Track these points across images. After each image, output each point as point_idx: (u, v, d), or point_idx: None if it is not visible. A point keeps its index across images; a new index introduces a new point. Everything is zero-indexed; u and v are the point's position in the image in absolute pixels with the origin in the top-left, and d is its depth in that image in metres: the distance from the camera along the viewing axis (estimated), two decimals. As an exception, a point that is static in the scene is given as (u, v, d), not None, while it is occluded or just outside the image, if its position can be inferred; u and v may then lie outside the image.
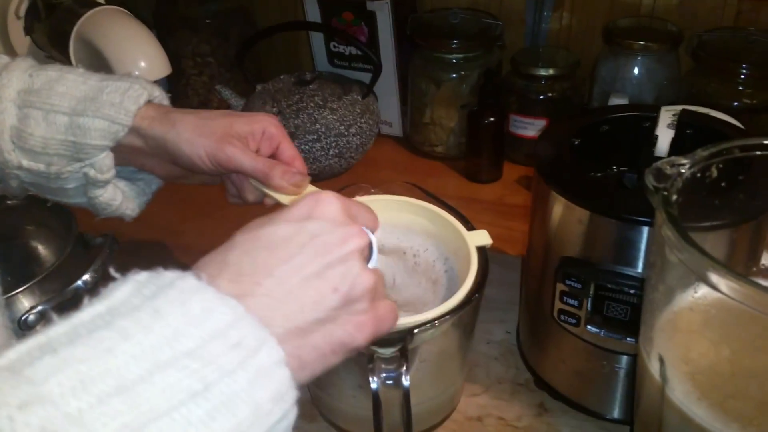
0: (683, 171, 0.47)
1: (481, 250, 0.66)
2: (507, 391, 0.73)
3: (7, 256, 0.83)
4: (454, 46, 1.04)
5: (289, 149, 0.62)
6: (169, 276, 0.35)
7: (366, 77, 1.10)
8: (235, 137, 0.60)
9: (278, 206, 0.61)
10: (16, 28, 0.98)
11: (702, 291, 0.43)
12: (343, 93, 1.07)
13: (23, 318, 0.69)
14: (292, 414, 0.36)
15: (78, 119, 0.59)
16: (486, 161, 1.05)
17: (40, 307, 0.69)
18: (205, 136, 0.59)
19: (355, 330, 0.41)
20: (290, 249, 0.39)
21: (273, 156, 0.63)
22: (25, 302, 0.70)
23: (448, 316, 0.60)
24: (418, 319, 0.52)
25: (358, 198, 0.60)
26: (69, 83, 0.60)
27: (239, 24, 1.18)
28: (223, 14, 1.17)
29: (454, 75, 1.06)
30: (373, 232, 0.47)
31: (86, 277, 0.73)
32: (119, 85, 0.60)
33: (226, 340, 0.33)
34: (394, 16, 1.05)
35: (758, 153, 0.50)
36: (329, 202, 0.43)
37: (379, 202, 0.61)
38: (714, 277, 0.39)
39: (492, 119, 1.01)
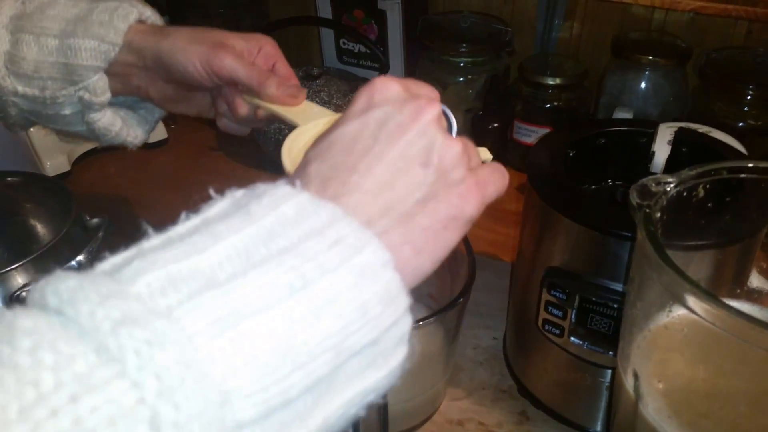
0: (669, 189, 0.47)
1: (471, 256, 0.66)
2: (489, 397, 0.73)
3: (5, 232, 0.83)
4: (463, 49, 1.05)
5: (284, 68, 0.61)
6: (262, 186, 0.33)
7: (374, 75, 1.09)
8: (230, 48, 0.59)
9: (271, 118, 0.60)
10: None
11: (677, 310, 0.43)
12: (350, 90, 1.07)
13: (16, 294, 0.69)
14: (406, 322, 0.33)
15: (68, 40, 0.59)
16: (488, 166, 1.05)
17: (33, 285, 0.70)
18: (200, 43, 0.58)
19: (461, 200, 0.37)
20: (365, 142, 0.37)
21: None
22: (19, 279, 0.70)
23: (431, 319, 0.61)
24: None
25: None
26: (60, 7, 0.60)
27: (251, 15, 1.19)
28: (236, 4, 1.18)
29: (461, 78, 1.06)
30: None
31: (80, 257, 0.74)
32: (108, 4, 0.60)
33: (324, 238, 0.31)
34: (404, 16, 1.06)
35: (747, 176, 0.50)
36: (385, 84, 0.39)
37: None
38: (688, 298, 0.40)
39: (496, 125, 1.01)
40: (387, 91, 0.39)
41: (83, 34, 0.59)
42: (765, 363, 0.41)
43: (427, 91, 0.42)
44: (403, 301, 0.33)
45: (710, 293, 0.39)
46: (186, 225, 0.31)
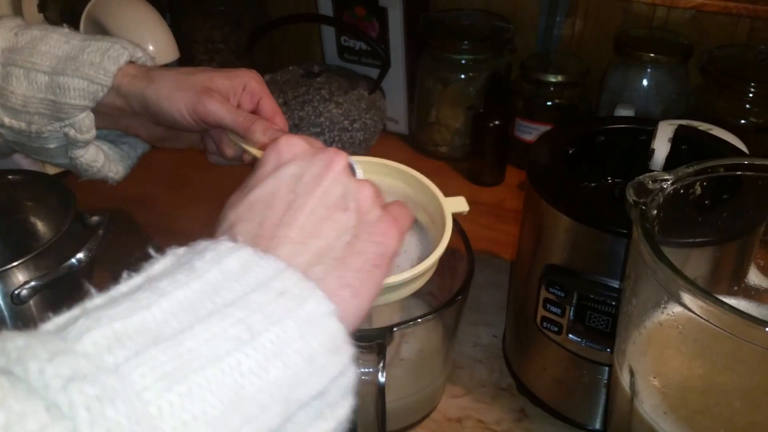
0: (665, 186, 0.47)
1: (470, 254, 0.66)
2: (489, 395, 0.73)
3: (5, 230, 0.84)
4: (464, 47, 1.04)
5: (269, 105, 0.61)
6: (203, 243, 0.34)
7: (375, 73, 1.10)
8: (215, 91, 0.59)
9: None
10: (30, 5, 0.99)
11: (672, 307, 0.43)
12: (350, 88, 1.07)
13: (16, 292, 0.70)
14: (351, 372, 0.34)
15: (58, 78, 0.59)
16: (489, 164, 1.05)
17: (33, 282, 0.70)
18: (184, 90, 0.58)
19: (383, 237, 0.39)
20: (285, 196, 0.38)
21: (254, 112, 0.61)
22: (19, 276, 0.70)
23: (430, 316, 0.61)
24: (390, 281, 0.49)
25: None
26: (52, 42, 0.61)
27: (252, 12, 1.19)
28: (237, 2, 1.18)
29: (462, 76, 1.06)
30: None
31: (80, 255, 0.74)
32: (100, 45, 0.60)
33: (269, 290, 0.32)
34: (405, 13, 1.06)
35: (744, 173, 0.50)
36: (290, 143, 0.41)
37: (360, 163, 0.60)
38: (683, 295, 0.40)
39: (497, 122, 1.01)
40: (294, 147, 0.41)
41: (73, 72, 0.59)
42: (759, 359, 0.41)
43: (320, 144, 0.45)
44: (348, 351, 0.34)
45: (705, 290, 0.39)
46: (129, 283, 0.32)
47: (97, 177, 0.67)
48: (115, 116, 0.62)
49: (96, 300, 0.31)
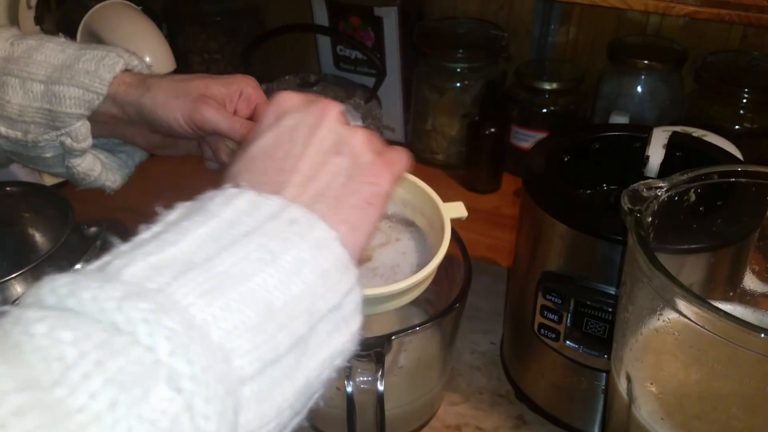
0: (660, 194, 0.47)
1: (467, 262, 0.66)
2: (487, 402, 0.74)
3: (4, 242, 0.84)
4: (459, 55, 1.05)
5: None
6: (210, 192, 0.36)
7: (371, 82, 1.11)
8: (211, 98, 0.59)
9: None
10: (27, 18, 0.99)
11: (668, 314, 0.44)
12: (347, 96, 1.08)
13: (15, 303, 0.70)
14: (358, 291, 0.37)
15: (53, 87, 0.59)
16: (485, 172, 1.06)
17: (32, 294, 0.70)
18: (180, 98, 0.58)
19: (376, 177, 0.42)
20: (283, 146, 0.41)
21: (251, 118, 0.61)
22: (18, 288, 0.71)
23: (428, 324, 0.61)
24: (383, 289, 0.51)
25: None
26: (48, 51, 0.61)
27: (248, 23, 1.19)
28: (233, 12, 1.18)
29: (458, 84, 1.07)
30: None
31: (78, 266, 0.74)
32: (96, 53, 0.60)
33: (280, 221, 0.35)
34: (401, 22, 1.06)
35: (737, 179, 0.50)
36: (286, 97, 0.44)
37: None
38: (678, 302, 0.40)
39: (492, 130, 1.01)
40: (290, 100, 0.43)
41: (68, 81, 0.59)
42: (755, 365, 0.41)
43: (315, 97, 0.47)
44: (353, 271, 0.37)
45: (700, 297, 0.39)
46: (150, 230, 0.34)
47: (94, 186, 0.67)
48: (111, 124, 0.63)
49: (122, 247, 0.33)
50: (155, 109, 0.59)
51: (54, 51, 0.61)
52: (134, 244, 0.33)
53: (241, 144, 0.59)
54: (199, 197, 0.36)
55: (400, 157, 0.45)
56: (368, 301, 0.50)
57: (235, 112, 0.61)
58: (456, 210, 0.57)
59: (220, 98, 0.60)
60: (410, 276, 0.51)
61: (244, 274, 0.32)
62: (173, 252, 0.32)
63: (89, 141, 0.62)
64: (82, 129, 0.61)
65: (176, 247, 0.32)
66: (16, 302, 0.69)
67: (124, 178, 0.69)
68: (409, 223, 0.60)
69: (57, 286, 0.29)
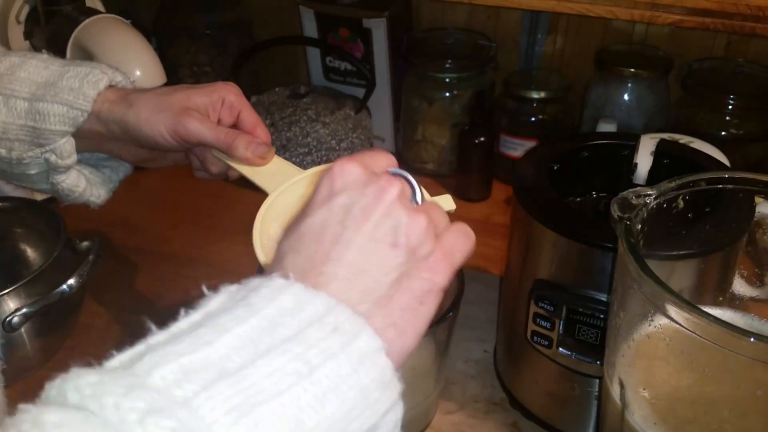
0: (649, 201, 0.48)
1: (459, 270, 0.67)
2: (482, 410, 0.74)
3: (-4, 257, 0.84)
4: (448, 65, 1.06)
5: (250, 116, 0.61)
6: (256, 281, 0.35)
7: (361, 93, 1.11)
8: (194, 109, 0.59)
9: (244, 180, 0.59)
10: (16, 33, 0.99)
11: (659, 320, 0.44)
12: (337, 108, 1.08)
13: (8, 319, 0.70)
14: (399, 408, 0.35)
15: (37, 104, 0.59)
16: (475, 180, 1.07)
17: (25, 309, 0.70)
18: (163, 112, 0.58)
19: (431, 273, 0.39)
20: (333, 229, 0.38)
21: (235, 125, 0.61)
22: (11, 303, 0.71)
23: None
24: None
25: (319, 167, 0.58)
26: (31, 68, 0.61)
27: (238, 36, 1.20)
28: (222, 25, 1.19)
29: (447, 94, 1.08)
30: (394, 167, 0.44)
31: (71, 281, 0.74)
32: (79, 70, 0.60)
33: (323, 326, 0.33)
34: (389, 33, 1.07)
35: (725, 186, 0.51)
36: (345, 169, 0.40)
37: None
38: (668, 308, 0.40)
39: (482, 139, 1.02)
40: (347, 175, 0.40)
41: (52, 98, 0.59)
42: (745, 368, 0.42)
43: (383, 163, 0.43)
44: (396, 386, 0.35)
45: (689, 302, 0.40)
46: (188, 320, 0.33)
47: (79, 201, 0.67)
48: (96, 140, 0.62)
49: (158, 336, 0.32)
50: (139, 125, 0.59)
51: (37, 68, 0.61)
52: (170, 335, 0.32)
53: (227, 154, 0.59)
54: (245, 283, 0.35)
55: (463, 241, 0.42)
56: None
57: (219, 121, 0.61)
58: (444, 202, 0.57)
59: (203, 108, 0.60)
60: None
61: (277, 387, 0.30)
62: (207, 354, 0.30)
63: (74, 157, 0.62)
64: (67, 146, 0.61)
65: (211, 348, 0.30)
66: (15, 314, 0.68)
67: (109, 194, 0.69)
68: None
69: (82, 384, 0.28)
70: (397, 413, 0.35)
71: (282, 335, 0.32)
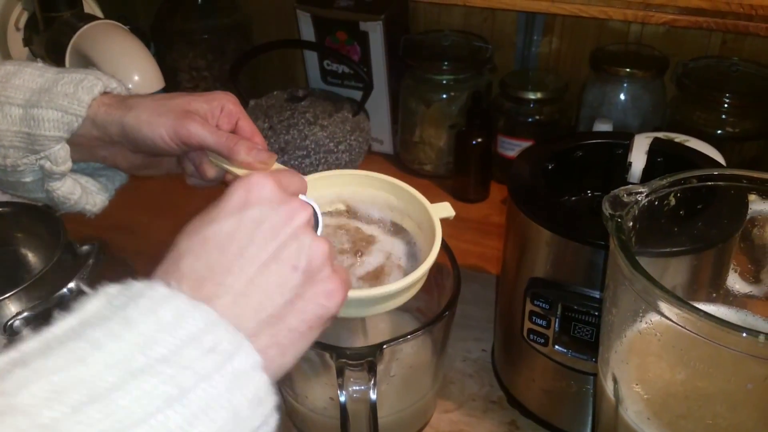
0: (640, 199, 0.48)
1: (456, 270, 0.67)
2: (480, 408, 0.74)
3: (-3, 262, 0.84)
4: (445, 67, 1.06)
5: (247, 125, 0.61)
6: (138, 286, 0.35)
7: (358, 95, 1.12)
8: (195, 115, 0.59)
9: None
10: (15, 40, 1.00)
11: (651, 316, 0.45)
12: (335, 110, 1.09)
13: (9, 323, 0.70)
14: (273, 420, 0.36)
15: (32, 111, 0.59)
16: (473, 181, 1.07)
17: (26, 313, 0.71)
18: (164, 115, 0.58)
19: (326, 299, 0.40)
20: (240, 242, 0.39)
21: (232, 133, 0.61)
22: (11, 308, 0.71)
23: (418, 333, 0.62)
24: (380, 289, 0.51)
25: (315, 174, 0.60)
26: (26, 76, 0.61)
27: (236, 40, 1.21)
28: (220, 30, 1.19)
29: (444, 96, 1.08)
30: (304, 194, 0.47)
31: (72, 285, 0.75)
32: (74, 76, 0.60)
33: (200, 344, 0.33)
34: (386, 36, 1.07)
35: (716, 183, 0.52)
36: (262, 183, 0.41)
37: (341, 177, 0.60)
38: (660, 304, 0.41)
39: (479, 140, 1.03)
40: (262, 190, 0.41)
41: (47, 104, 0.59)
42: (737, 363, 0.42)
43: (296, 187, 0.46)
44: (271, 400, 0.35)
45: (680, 298, 0.40)
46: (62, 326, 0.33)
47: (74, 210, 0.67)
48: (92, 147, 0.62)
49: (31, 343, 0.32)
50: (139, 127, 0.59)
51: (32, 75, 0.61)
52: (44, 344, 0.31)
53: (227, 159, 0.59)
54: (126, 286, 0.35)
55: (347, 277, 0.43)
56: (364, 303, 0.51)
57: (216, 128, 0.61)
58: (443, 210, 0.58)
59: (203, 114, 0.60)
60: (401, 278, 0.52)
61: (146, 411, 0.30)
62: (79, 371, 0.30)
63: (69, 164, 0.62)
64: (61, 152, 0.61)
65: (84, 365, 0.30)
66: (16, 318, 0.69)
67: (104, 202, 0.69)
68: (397, 227, 0.61)
69: None
70: (271, 425, 0.36)
71: (156, 354, 0.32)
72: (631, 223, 0.48)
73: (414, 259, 0.59)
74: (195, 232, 0.40)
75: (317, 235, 0.43)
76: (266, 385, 0.35)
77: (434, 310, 0.69)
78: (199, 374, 0.32)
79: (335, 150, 1.05)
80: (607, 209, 0.47)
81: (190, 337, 0.33)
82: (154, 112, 0.59)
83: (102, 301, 0.34)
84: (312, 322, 0.40)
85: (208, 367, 0.33)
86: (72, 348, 0.31)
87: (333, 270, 0.41)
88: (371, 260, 0.59)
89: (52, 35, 0.97)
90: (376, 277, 0.57)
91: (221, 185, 0.65)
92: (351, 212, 0.62)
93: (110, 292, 0.35)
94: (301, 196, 0.46)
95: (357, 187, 0.61)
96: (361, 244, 0.60)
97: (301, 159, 1.04)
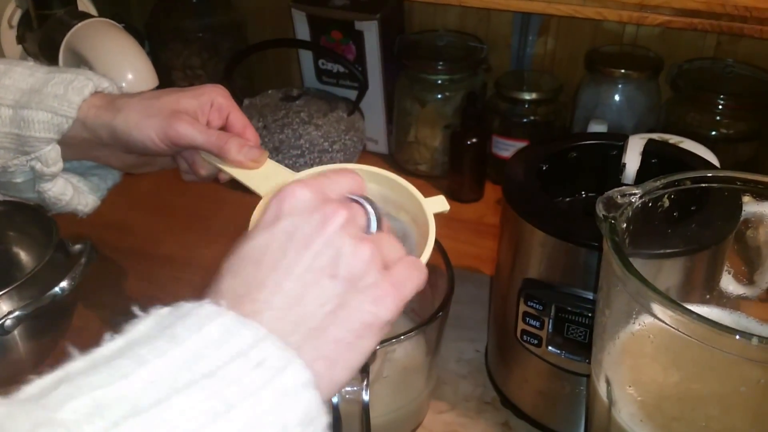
0: (634, 200, 0.48)
1: (450, 270, 0.67)
2: (473, 409, 0.74)
3: (-12, 261, 0.84)
4: (440, 67, 1.06)
5: (239, 118, 0.61)
6: (187, 306, 0.34)
7: (353, 95, 1.12)
8: (183, 112, 0.58)
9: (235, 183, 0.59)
10: (8, 37, 1.00)
11: (644, 318, 0.45)
12: (329, 110, 1.09)
13: (1, 322, 0.70)
14: None
15: (22, 112, 0.59)
16: (468, 181, 1.07)
17: (17, 312, 0.71)
18: (153, 116, 0.57)
19: (375, 306, 0.38)
20: (273, 255, 0.38)
21: (224, 128, 0.61)
22: (3, 306, 0.71)
23: (412, 333, 0.62)
24: None
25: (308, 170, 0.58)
26: (16, 76, 0.60)
27: (231, 39, 1.20)
28: (215, 28, 1.19)
29: (439, 96, 1.08)
30: (361, 193, 0.44)
31: (63, 284, 0.74)
32: (64, 76, 0.60)
33: (247, 360, 0.32)
34: (381, 36, 1.07)
35: (710, 185, 0.51)
36: (294, 193, 0.40)
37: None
38: (653, 306, 0.41)
39: (474, 140, 1.03)
40: (295, 199, 0.40)
41: (37, 105, 0.59)
42: (730, 365, 0.42)
43: (343, 187, 0.43)
44: (323, 420, 0.34)
45: (673, 300, 0.40)
46: (110, 346, 0.32)
47: (66, 210, 0.66)
48: (83, 147, 0.62)
49: (77, 363, 0.31)
50: (129, 130, 0.58)
51: (22, 75, 0.61)
52: (90, 363, 0.31)
53: (220, 157, 0.58)
54: (176, 307, 0.34)
55: (415, 274, 0.41)
56: None
57: (208, 124, 0.60)
58: (438, 204, 0.56)
59: (192, 111, 0.59)
60: None
61: (190, 426, 0.29)
62: (122, 387, 0.30)
63: (60, 165, 0.62)
64: (52, 153, 0.61)
65: (127, 381, 0.30)
66: (8, 317, 0.68)
67: (96, 202, 0.68)
68: (392, 219, 0.61)
69: None
70: None
71: (203, 370, 0.31)
72: (624, 225, 0.48)
73: (410, 252, 0.59)
74: (234, 252, 0.39)
75: (362, 236, 0.40)
76: (317, 403, 0.34)
77: (428, 310, 0.69)
78: (247, 390, 0.32)
79: (330, 149, 1.05)
80: (600, 211, 0.47)
81: (237, 352, 0.32)
82: (143, 114, 0.58)
83: (151, 322, 0.34)
84: (360, 331, 0.37)
85: (255, 382, 0.32)
86: (117, 365, 0.31)
87: (384, 273, 0.39)
88: None
89: (45, 33, 0.97)
90: None
91: (216, 182, 0.65)
92: None
93: (160, 313, 0.34)
94: (352, 196, 0.43)
95: None
96: None
97: (295, 158, 1.04)
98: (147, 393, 0.30)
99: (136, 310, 0.35)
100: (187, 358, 0.32)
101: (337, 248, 0.38)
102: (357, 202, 0.43)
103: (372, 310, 0.38)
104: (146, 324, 0.34)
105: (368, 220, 0.42)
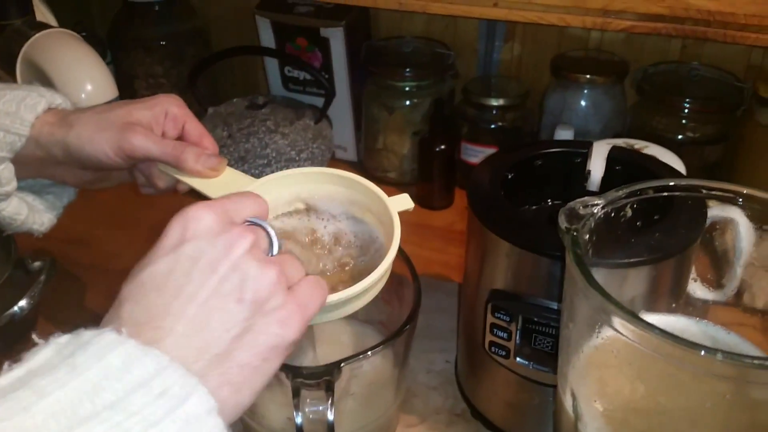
0: (596, 211, 0.48)
1: (416, 282, 0.66)
2: (444, 422, 0.73)
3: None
4: (407, 74, 1.05)
5: (195, 128, 0.60)
6: (88, 334, 0.34)
7: (321, 102, 1.11)
8: (137, 124, 0.57)
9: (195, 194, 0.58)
10: (-36, 48, 0.97)
11: (606, 331, 0.44)
12: (296, 118, 1.08)
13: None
14: None
15: None
16: (437, 188, 1.06)
17: (-25, 333, 0.69)
18: (106, 130, 0.56)
19: (281, 327, 0.38)
20: (177, 281, 0.37)
21: (180, 138, 0.60)
22: (-41, 327, 0.69)
23: (378, 348, 0.61)
24: (345, 293, 0.48)
25: (270, 176, 0.58)
26: None
27: (194, 46, 1.18)
28: (178, 36, 1.17)
29: (407, 102, 1.07)
30: (264, 217, 0.45)
31: (22, 303, 0.73)
32: (16, 93, 0.58)
33: (150, 390, 0.32)
34: (347, 42, 1.06)
35: (672, 193, 0.51)
36: (198, 216, 0.39)
37: (298, 176, 0.59)
38: (613, 319, 0.40)
39: (443, 147, 1.02)
40: (199, 222, 0.39)
41: None
42: (695, 380, 0.41)
43: (247, 211, 0.43)
44: None
45: (635, 314, 0.40)
46: (9, 377, 0.32)
47: (22, 230, 0.65)
48: (37, 166, 0.61)
49: None
50: (82, 146, 0.57)
51: None
52: None
53: (177, 168, 0.57)
54: (77, 335, 0.33)
55: (318, 293, 0.41)
56: (330, 307, 0.49)
57: (163, 134, 0.59)
58: (402, 202, 0.56)
59: (146, 122, 0.58)
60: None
61: None
62: (22, 421, 0.29)
63: (13, 184, 0.60)
64: (5, 172, 0.59)
65: (27, 415, 0.29)
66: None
67: (53, 221, 0.67)
68: (358, 221, 0.60)
69: None
70: None
71: (104, 401, 0.31)
72: (587, 236, 0.47)
73: (378, 253, 0.58)
74: (133, 276, 0.38)
75: (267, 258, 0.41)
76: (221, 430, 0.34)
77: (396, 322, 0.68)
78: (148, 420, 0.31)
79: (297, 158, 1.04)
80: (563, 222, 0.46)
81: (139, 382, 0.32)
82: (96, 128, 0.57)
83: (51, 351, 0.33)
84: (266, 354, 0.38)
85: (157, 412, 0.32)
86: (17, 397, 0.30)
87: (289, 294, 0.40)
88: (336, 257, 0.58)
89: (2, 44, 0.94)
90: (339, 271, 0.56)
91: (175, 193, 0.63)
92: (311, 210, 0.60)
93: (60, 341, 0.33)
94: (252, 219, 0.44)
95: (314, 185, 0.60)
96: (323, 242, 0.58)
97: (262, 168, 1.02)
98: (48, 426, 0.29)
99: (35, 337, 0.34)
100: (88, 390, 0.31)
101: (243, 272, 0.38)
102: (256, 224, 0.43)
103: (278, 332, 0.38)
104: (45, 353, 0.33)
105: (270, 242, 0.43)
